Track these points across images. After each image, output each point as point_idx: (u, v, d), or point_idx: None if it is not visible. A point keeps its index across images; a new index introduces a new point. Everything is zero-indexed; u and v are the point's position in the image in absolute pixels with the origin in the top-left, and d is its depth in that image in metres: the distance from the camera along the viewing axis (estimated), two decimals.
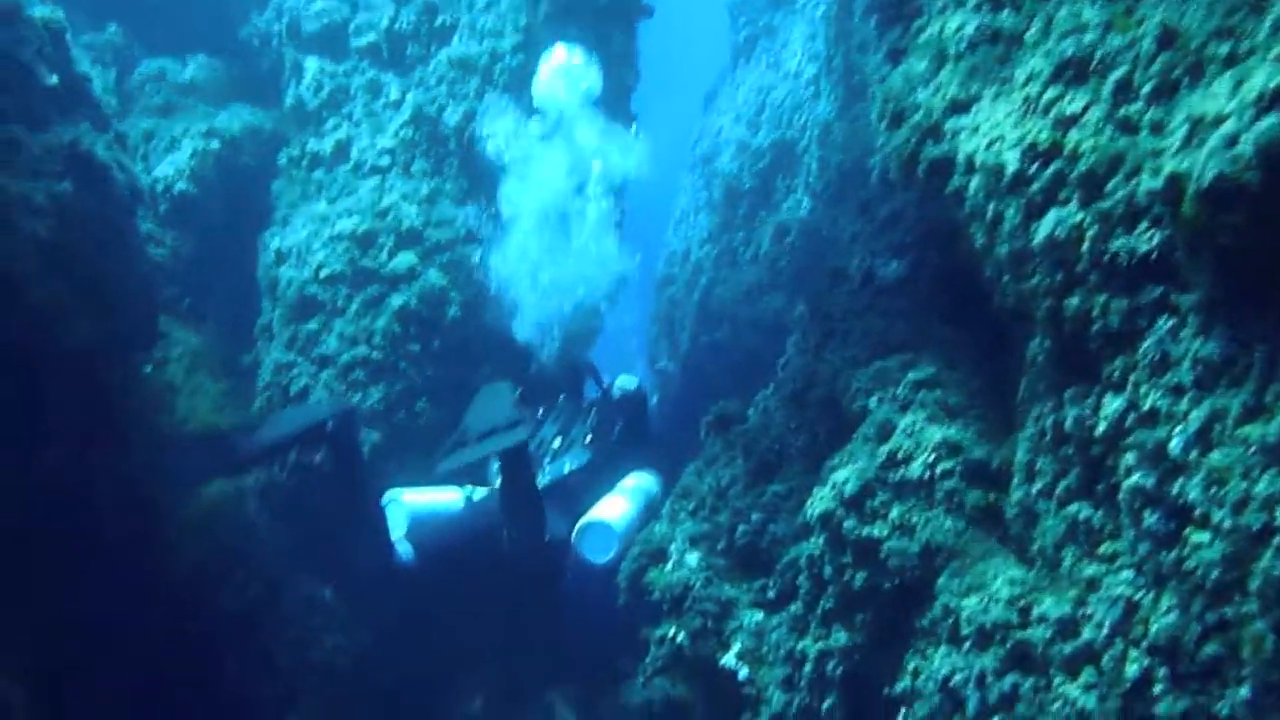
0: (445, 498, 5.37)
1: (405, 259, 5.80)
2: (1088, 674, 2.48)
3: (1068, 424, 2.77)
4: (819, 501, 3.51)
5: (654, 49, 7.28)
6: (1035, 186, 2.59)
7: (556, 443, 5.73)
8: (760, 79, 9.44)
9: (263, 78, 6.66)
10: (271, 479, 5.10)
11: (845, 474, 3.49)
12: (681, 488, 4.79)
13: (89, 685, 4.38)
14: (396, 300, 5.72)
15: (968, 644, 2.91)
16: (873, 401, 3.81)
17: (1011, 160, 2.71)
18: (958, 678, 2.93)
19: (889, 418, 3.59)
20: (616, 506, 5.21)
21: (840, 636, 3.44)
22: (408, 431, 5.61)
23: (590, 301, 6.20)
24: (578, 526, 5.11)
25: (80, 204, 4.08)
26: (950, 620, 3.02)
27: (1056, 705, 2.62)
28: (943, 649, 3.07)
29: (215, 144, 6.23)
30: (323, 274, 5.75)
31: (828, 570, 3.50)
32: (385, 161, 6.09)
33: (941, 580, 3.13)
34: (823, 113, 8.05)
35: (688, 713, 4.00)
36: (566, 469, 5.57)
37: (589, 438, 5.75)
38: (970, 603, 2.94)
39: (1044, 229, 2.54)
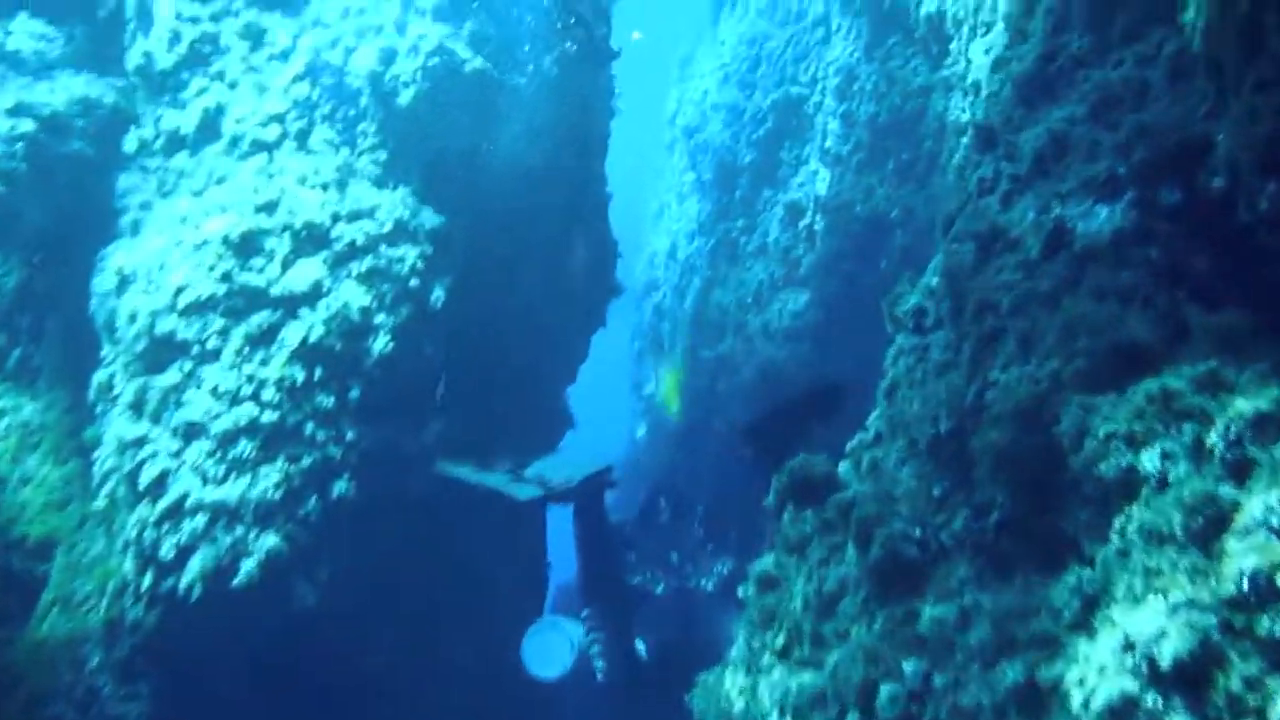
0: None
1: (306, 270, 3.95)
2: None
3: None
4: (1101, 677, 1.77)
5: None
6: None
7: None
8: (751, 29, 7.94)
9: (100, 32, 4.74)
10: None
11: (1153, 619, 1.76)
12: (759, 608, 2.98)
13: None
14: (296, 331, 3.86)
15: None
16: (1150, 458, 2.05)
17: None
18: None
19: (1217, 491, 1.83)
20: None
21: None
22: (325, 531, 3.72)
23: None
24: None
25: None
26: None
27: None
28: None
29: (28, 124, 4.36)
30: (184, 300, 3.87)
31: None
32: (273, 133, 4.23)
33: None
34: (840, 58, 6.70)
35: None
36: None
37: None
38: None
39: None
